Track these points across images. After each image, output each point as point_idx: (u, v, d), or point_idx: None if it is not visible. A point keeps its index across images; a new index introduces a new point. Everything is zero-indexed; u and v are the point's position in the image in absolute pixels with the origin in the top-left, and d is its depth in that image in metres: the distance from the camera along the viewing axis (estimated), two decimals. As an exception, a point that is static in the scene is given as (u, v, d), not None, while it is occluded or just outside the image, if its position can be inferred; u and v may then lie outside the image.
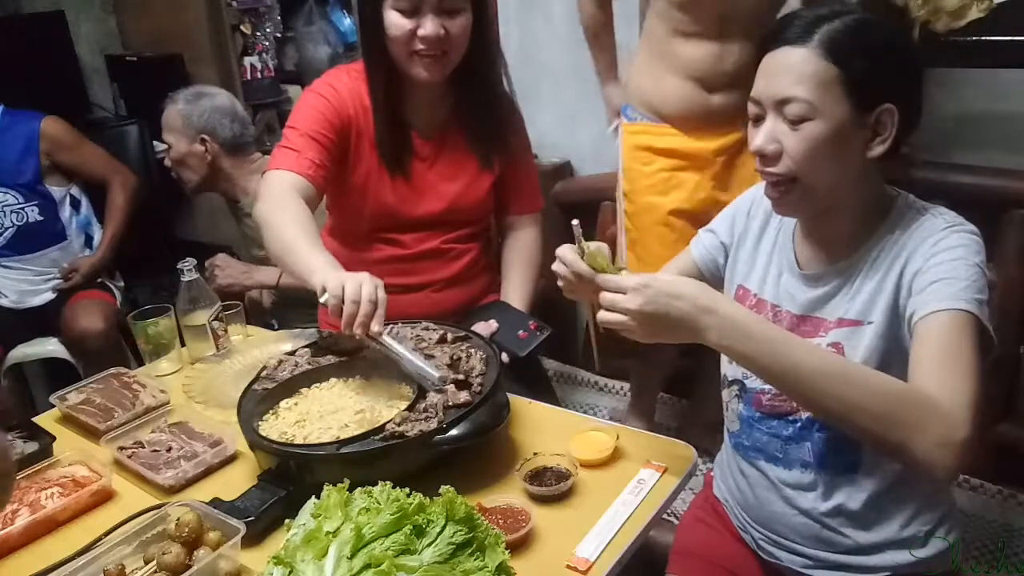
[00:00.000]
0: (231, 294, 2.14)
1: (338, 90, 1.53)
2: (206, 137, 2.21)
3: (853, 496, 1.13)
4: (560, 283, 1.16)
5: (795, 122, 1.02)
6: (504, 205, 1.73)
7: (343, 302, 1.18)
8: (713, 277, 1.31)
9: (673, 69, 1.81)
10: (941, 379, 0.94)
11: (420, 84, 1.51)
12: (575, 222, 1.13)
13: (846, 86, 1.00)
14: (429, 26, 1.42)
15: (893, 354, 1.05)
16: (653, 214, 1.92)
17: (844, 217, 1.10)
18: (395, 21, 1.44)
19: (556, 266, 1.14)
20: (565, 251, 1.13)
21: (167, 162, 2.32)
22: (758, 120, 1.07)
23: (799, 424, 1.14)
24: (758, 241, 1.25)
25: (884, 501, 1.12)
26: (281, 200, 1.40)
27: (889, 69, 1.03)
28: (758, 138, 1.05)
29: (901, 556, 1.13)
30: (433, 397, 1.16)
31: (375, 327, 1.19)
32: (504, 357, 1.30)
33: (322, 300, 1.21)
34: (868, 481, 1.12)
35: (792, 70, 1.02)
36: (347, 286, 1.19)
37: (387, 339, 1.22)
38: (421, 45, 1.44)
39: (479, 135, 1.60)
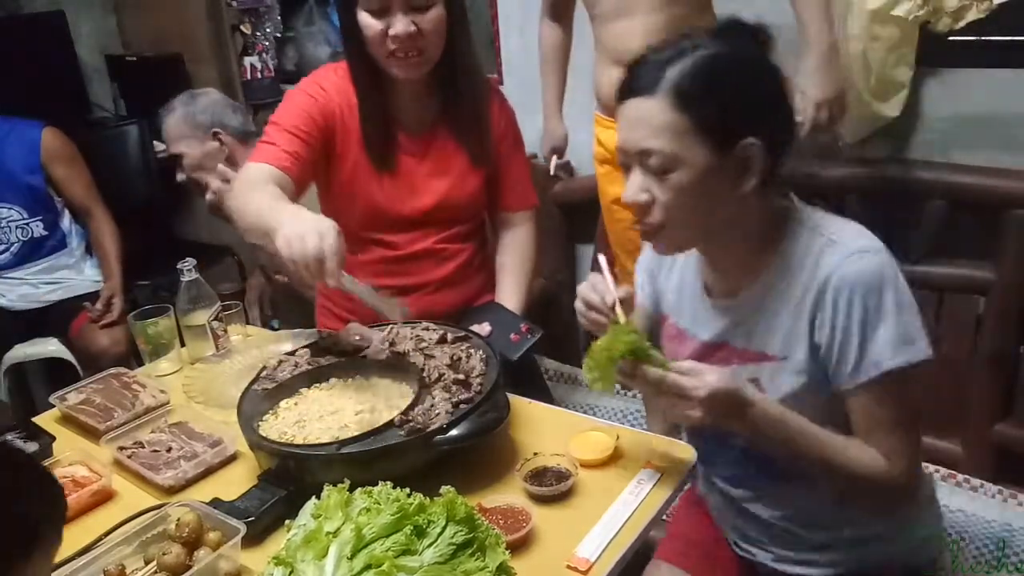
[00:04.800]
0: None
1: (325, 87, 1.54)
2: (218, 130, 2.17)
3: (807, 504, 1.15)
4: (583, 320, 1.14)
5: (659, 173, 1.00)
6: (496, 201, 1.73)
7: (289, 261, 1.17)
8: (660, 317, 1.29)
9: (601, 56, 1.89)
10: (888, 446, 1.04)
11: (403, 82, 1.53)
12: (619, 298, 1.10)
13: (700, 133, 0.98)
14: (399, 25, 1.42)
15: (811, 386, 1.06)
16: (605, 205, 2.06)
17: (736, 246, 1.09)
18: (367, 22, 1.45)
19: (581, 308, 1.13)
20: (590, 294, 1.11)
21: (181, 176, 2.23)
22: (627, 168, 1.05)
23: (742, 444, 1.14)
24: (671, 270, 1.24)
25: (841, 506, 1.13)
26: (255, 186, 1.39)
27: (742, 106, 1.00)
28: (628, 190, 1.04)
29: (873, 549, 1.15)
30: (433, 397, 1.16)
31: (330, 282, 1.18)
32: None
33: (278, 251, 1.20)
34: (819, 492, 1.12)
35: (645, 122, 1.00)
36: (294, 249, 1.17)
37: (344, 283, 1.21)
38: (393, 45, 1.44)
39: (467, 129, 1.61)
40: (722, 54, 1.01)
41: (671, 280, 1.24)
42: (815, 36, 1.73)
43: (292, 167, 1.45)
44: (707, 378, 0.97)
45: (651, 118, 0.99)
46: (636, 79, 1.03)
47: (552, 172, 2.06)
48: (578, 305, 1.14)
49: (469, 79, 1.58)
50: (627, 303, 1.10)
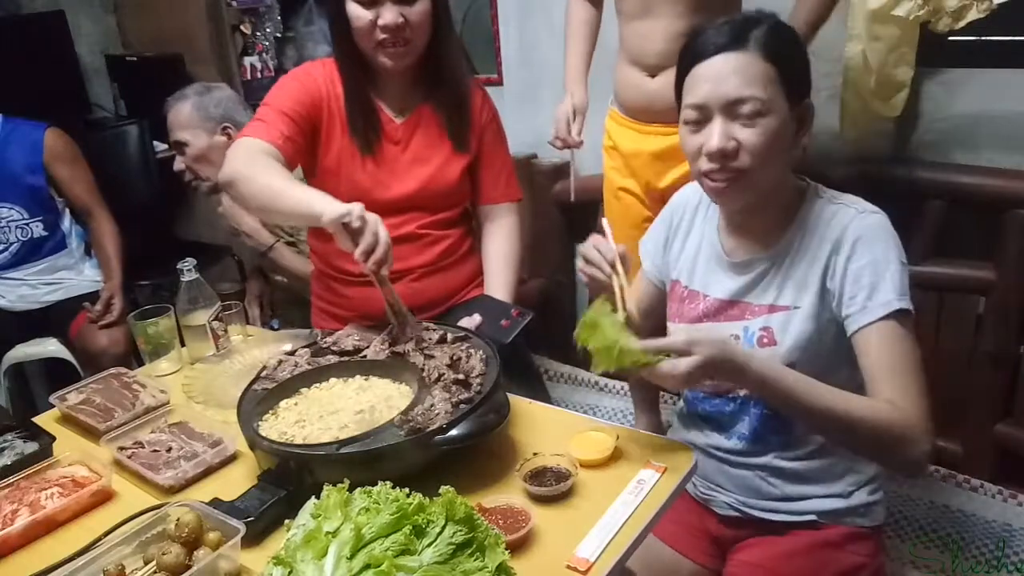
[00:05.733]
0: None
1: (312, 75, 1.60)
2: (228, 126, 2.16)
3: (784, 463, 1.25)
4: (583, 276, 1.24)
5: (751, 118, 1.10)
6: (480, 194, 1.75)
7: (363, 226, 1.26)
8: (664, 287, 1.40)
9: (623, 54, 1.91)
10: (901, 390, 1.08)
11: (389, 71, 1.57)
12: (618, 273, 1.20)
13: (783, 84, 1.11)
14: (388, 15, 1.48)
15: (819, 333, 1.16)
16: (609, 189, 2.09)
17: (769, 209, 1.20)
18: (356, 12, 1.50)
19: (582, 264, 1.23)
20: (592, 252, 1.22)
21: (180, 164, 2.24)
22: (700, 123, 1.14)
23: (739, 401, 1.25)
24: (686, 236, 1.34)
25: (812, 467, 1.24)
26: (255, 157, 1.45)
27: (804, 66, 1.16)
28: (716, 138, 1.11)
29: (825, 504, 1.25)
30: (433, 397, 1.17)
31: (385, 271, 1.30)
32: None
33: (345, 219, 1.25)
34: (798, 453, 1.24)
35: (739, 73, 1.10)
36: (369, 216, 1.27)
37: (388, 282, 1.33)
38: (383, 35, 1.50)
39: (450, 115, 1.64)
40: (783, 22, 1.15)
41: (686, 248, 1.34)
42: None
43: (284, 146, 1.51)
44: (686, 364, 1.04)
45: (744, 68, 1.10)
46: (718, 37, 1.12)
47: (559, 140, 1.97)
48: (579, 263, 1.24)
49: (452, 69, 1.63)
50: (626, 261, 1.20)
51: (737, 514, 1.30)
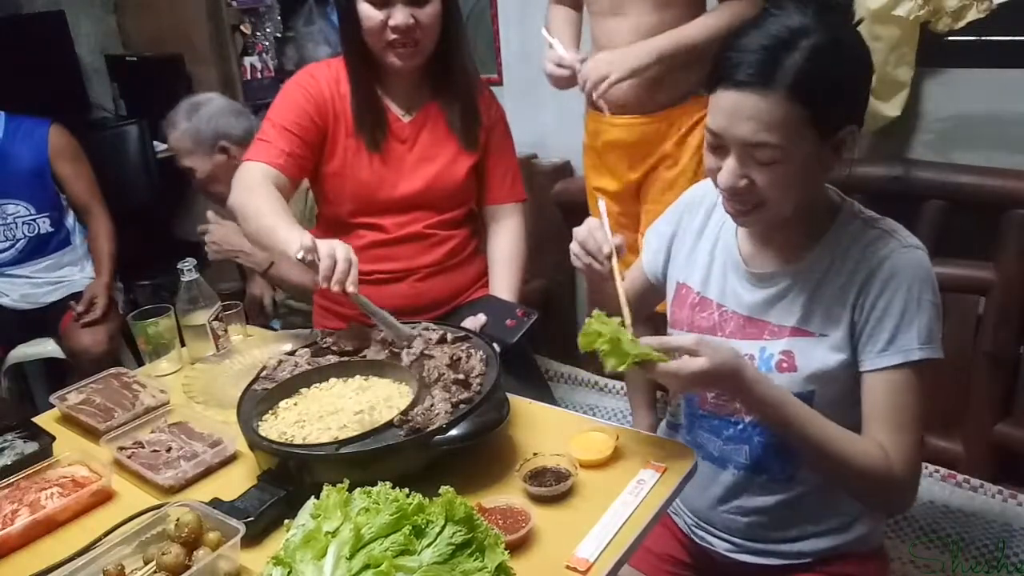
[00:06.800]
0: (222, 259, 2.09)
1: (316, 78, 1.61)
2: (224, 143, 2.15)
3: (780, 500, 1.20)
4: (577, 263, 1.20)
5: (767, 162, 1.01)
6: (485, 195, 1.75)
7: (318, 258, 1.26)
8: (659, 283, 1.34)
9: (595, 50, 1.95)
10: (895, 440, 1.06)
11: (397, 71, 1.57)
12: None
13: (813, 123, 0.99)
14: (399, 16, 1.49)
15: (843, 366, 1.10)
16: (587, 188, 2.14)
17: (794, 225, 1.13)
18: (367, 13, 1.51)
19: (577, 251, 1.19)
20: (589, 240, 1.17)
21: (196, 186, 2.25)
22: (719, 149, 1.06)
23: (740, 426, 1.20)
24: (698, 237, 1.26)
25: (809, 504, 1.19)
26: (253, 188, 1.47)
27: (850, 94, 1.04)
28: (727, 177, 1.04)
29: (823, 543, 1.21)
30: (433, 397, 1.17)
31: (350, 288, 1.27)
32: (495, 347, 1.32)
33: (297, 256, 1.27)
34: (797, 488, 1.19)
35: (758, 117, 0.99)
36: (321, 244, 1.28)
37: (361, 298, 1.30)
38: (393, 35, 1.51)
39: (458, 114, 1.65)
40: (831, 43, 0.99)
41: (698, 250, 1.25)
42: (690, 28, 1.77)
43: (286, 164, 1.52)
44: (692, 365, 1.02)
45: (765, 112, 0.98)
46: (744, 68, 0.99)
47: (557, 70, 1.96)
48: (574, 247, 1.19)
49: (461, 70, 1.63)
50: (621, 253, 1.17)
51: (734, 560, 1.26)
